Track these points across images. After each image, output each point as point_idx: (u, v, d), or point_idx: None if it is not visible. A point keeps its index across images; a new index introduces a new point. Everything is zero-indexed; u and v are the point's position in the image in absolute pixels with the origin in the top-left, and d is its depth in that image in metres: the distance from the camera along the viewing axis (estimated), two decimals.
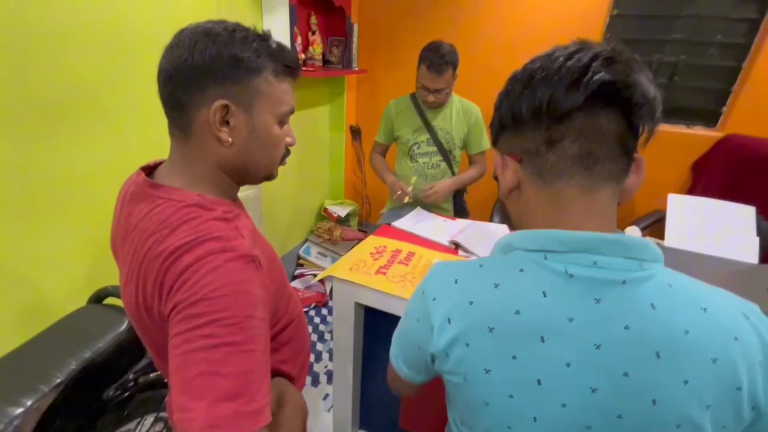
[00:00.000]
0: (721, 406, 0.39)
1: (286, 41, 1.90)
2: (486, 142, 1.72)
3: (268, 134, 0.57)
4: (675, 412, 0.39)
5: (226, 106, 0.52)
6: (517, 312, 0.43)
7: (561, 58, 0.43)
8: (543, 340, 0.42)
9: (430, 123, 1.65)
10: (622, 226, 1.84)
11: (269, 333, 0.52)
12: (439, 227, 1.50)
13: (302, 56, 2.15)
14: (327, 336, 2.18)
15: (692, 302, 0.41)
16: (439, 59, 1.46)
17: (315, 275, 2.57)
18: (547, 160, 0.45)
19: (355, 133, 2.87)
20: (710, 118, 2.18)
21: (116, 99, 1.24)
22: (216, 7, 1.56)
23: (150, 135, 1.34)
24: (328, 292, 2.46)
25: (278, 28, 1.87)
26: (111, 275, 0.99)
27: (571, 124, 0.43)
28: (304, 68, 2.11)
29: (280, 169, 0.64)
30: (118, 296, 1.09)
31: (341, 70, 2.43)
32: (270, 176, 0.63)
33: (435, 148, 1.68)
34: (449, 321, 0.47)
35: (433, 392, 0.61)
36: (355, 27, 2.43)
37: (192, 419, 0.42)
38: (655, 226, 2.08)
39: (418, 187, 1.69)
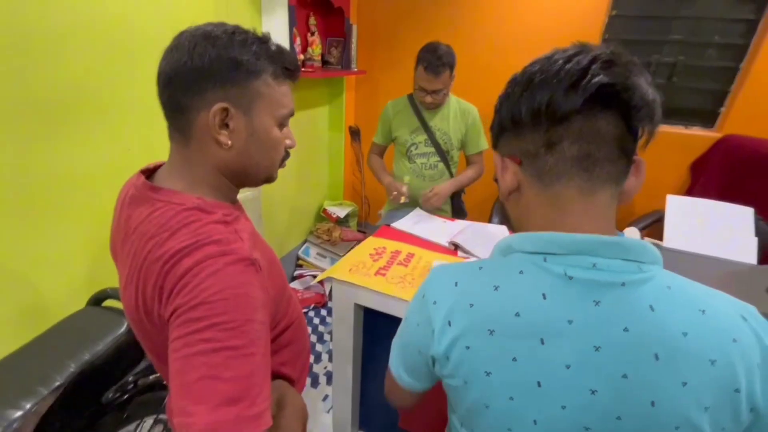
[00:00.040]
0: (720, 407, 0.39)
1: (285, 42, 1.90)
2: (484, 142, 1.72)
3: (267, 137, 0.57)
4: (674, 414, 0.39)
5: (225, 109, 0.52)
6: (517, 314, 0.43)
7: (560, 61, 0.43)
8: (543, 342, 0.42)
9: (428, 124, 1.66)
10: (621, 227, 1.85)
11: (269, 336, 0.52)
12: (439, 228, 1.50)
13: (301, 57, 2.15)
14: (326, 337, 2.18)
15: (691, 304, 0.41)
16: (436, 60, 1.46)
17: (314, 276, 2.57)
18: (546, 162, 0.45)
19: (354, 133, 2.87)
20: (708, 119, 2.19)
21: (116, 100, 1.24)
22: (214, 8, 1.56)
23: (149, 136, 1.34)
24: (327, 292, 2.46)
25: (277, 28, 1.87)
26: (110, 277, 0.99)
27: (569, 126, 0.43)
28: (303, 69, 2.11)
29: (279, 170, 0.64)
30: (117, 298, 1.09)
31: (340, 71, 2.43)
32: (269, 179, 0.63)
33: (433, 149, 1.68)
34: (449, 323, 0.47)
35: (433, 393, 0.61)
36: (354, 28, 2.43)
37: (193, 424, 0.41)
38: (653, 226, 2.09)
39: (415, 186, 1.70)
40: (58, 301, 1.17)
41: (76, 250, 1.21)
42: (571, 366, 0.41)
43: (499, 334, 0.44)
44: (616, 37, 2.17)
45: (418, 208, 1.65)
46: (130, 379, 0.98)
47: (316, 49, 2.26)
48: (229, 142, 0.54)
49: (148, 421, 1.04)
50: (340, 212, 2.80)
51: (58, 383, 0.81)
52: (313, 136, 2.67)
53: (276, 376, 0.69)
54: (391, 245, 1.35)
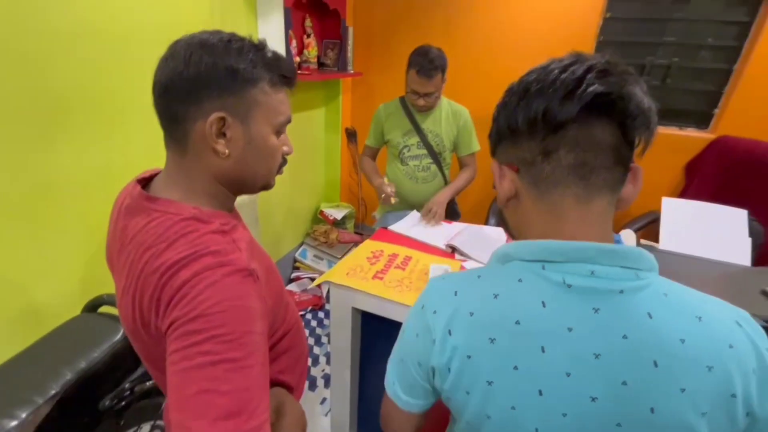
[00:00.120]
0: (717, 412, 0.40)
1: (281, 45, 1.89)
2: (476, 143, 1.73)
3: (265, 145, 0.57)
4: (673, 420, 0.40)
5: (222, 119, 0.52)
6: (518, 322, 0.44)
7: (556, 71, 0.43)
8: (543, 350, 0.42)
9: (420, 126, 1.66)
10: (616, 228, 1.86)
11: (267, 346, 0.52)
12: (436, 231, 1.50)
13: (297, 59, 2.14)
14: (324, 339, 2.17)
15: (687, 311, 0.42)
16: (428, 64, 1.47)
17: (311, 278, 2.57)
18: (543, 170, 0.45)
19: (351, 135, 2.87)
20: (702, 120, 2.21)
21: (111, 105, 1.23)
22: (210, 11, 1.55)
23: (146, 141, 1.33)
24: (324, 295, 2.46)
25: (273, 31, 1.87)
26: (106, 283, 0.99)
27: (565, 134, 0.43)
28: (299, 72, 2.11)
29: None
30: (112, 305, 1.08)
31: (336, 73, 2.42)
32: (267, 186, 0.62)
33: (425, 151, 1.69)
34: (450, 333, 0.47)
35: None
36: (350, 30, 2.43)
37: None
38: (649, 227, 2.10)
39: (408, 188, 1.71)
40: (53, 307, 1.16)
41: (72, 256, 1.20)
42: (571, 374, 0.42)
43: (500, 343, 0.44)
44: (610, 39, 2.19)
45: (414, 210, 1.66)
46: (127, 386, 0.97)
47: (312, 52, 2.25)
48: (227, 151, 0.53)
49: (145, 427, 1.03)
50: (337, 214, 2.80)
51: (54, 391, 0.80)
52: (310, 138, 2.67)
53: (274, 383, 0.69)
54: (389, 248, 1.35)
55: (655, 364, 0.40)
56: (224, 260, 0.48)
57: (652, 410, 0.40)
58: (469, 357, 0.46)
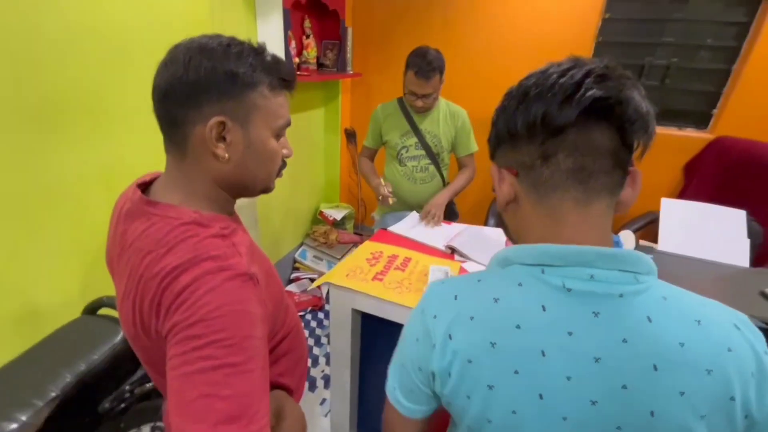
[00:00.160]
0: (716, 415, 0.40)
1: (280, 46, 1.89)
2: (474, 144, 1.73)
3: (264, 148, 0.57)
4: (672, 423, 0.40)
5: (222, 123, 0.52)
6: (518, 326, 0.44)
7: (554, 75, 0.44)
8: (544, 354, 0.42)
9: (418, 127, 1.67)
10: (615, 228, 1.86)
11: (267, 350, 0.52)
12: (435, 232, 1.50)
13: (296, 60, 2.14)
14: (324, 340, 2.18)
15: (686, 315, 0.42)
16: (426, 65, 1.47)
17: (311, 279, 2.57)
18: (542, 174, 0.46)
19: (350, 136, 2.87)
20: (701, 120, 2.21)
21: (110, 107, 1.23)
22: (210, 12, 1.55)
23: (144, 143, 1.33)
24: (324, 295, 2.46)
25: (272, 32, 1.87)
26: (105, 285, 0.98)
27: (564, 138, 0.43)
28: (298, 73, 2.11)
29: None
30: (112, 307, 1.08)
31: (336, 74, 2.42)
32: (267, 189, 0.62)
33: (423, 152, 1.70)
34: (450, 337, 0.47)
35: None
36: (349, 30, 2.43)
37: None
38: (648, 227, 2.11)
39: (407, 189, 1.72)
40: (53, 309, 1.15)
41: (71, 258, 1.20)
42: (571, 377, 0.42)
43: (500, 347, 0.44)
44: (609, 39, 2.19)
45: (414, 212, 1.66)
46: (127, 388, 0.97)
47: (311, 52, 2.25)
48: (227, 155, 0.53)
49: (145, 429, 1.03)
50: (337, 215, 2.80)
51: (54, 394, 0.80)
52: (309, 139, 2.67)
53: (274, 386, 0.69)
54: (388, 249, 1.35)
55: (655, 368, 0.40)
56: (224, 265, 0.48)
57: (651, 414, 0.40)
58: (469, 361, 0.46)
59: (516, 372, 0.44)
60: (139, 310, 0.50)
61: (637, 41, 2.17)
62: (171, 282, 0.47)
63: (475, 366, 0.45)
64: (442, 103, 1.68)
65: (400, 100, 1.69)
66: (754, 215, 1.55)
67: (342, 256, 2.62)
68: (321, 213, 2.82)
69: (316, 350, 2.10)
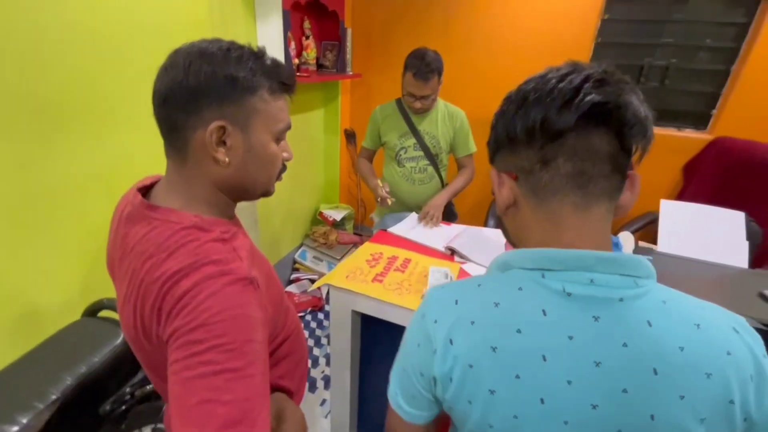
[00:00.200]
0: (716, 418, 0.40)
1: (279, 47, 1.89)
2: (473, 144, 1.74)
3: (264, 152, 0.57)
4: (672, 426, 0.40)
5: (222, 127, 0.52)
6: (519, 331, 0.44)
7: (553, 80, 0.44)
8: (545, 359, 0.43)
9: (416, 128, 1.67)
10: (614, 229, 1.87)
11: (267, 354, 0.52)
12: (435, 233, 1.50)
13: (296, 61, 2.14)
14: (324, 341, 2.18)
15: (686, 318, 0.42)
16: (425, 67, 1.47)
17: (311, 279, 2.57)
18: (542, 179, 0.46)
19: (350, 136, 2.87)
20: (701, 121, 2.22)
21: (111, 109, 1.23)
22: (209, 14, 1.55)
23: (145, 145, 1.33)
24: (324, 296, 2.46)
25: (272, 33, 1.87)
26: (105, 287, 0.98)
27: (563, 143, 0.44)
28: (298, 74, 2.11)
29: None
30: (112, 309, 1.08)
31: (335, 75, 2.43)
32: (267, 193, 0.63)
33: (422, 153, 1.70)
34: (451, 342, 0.47)
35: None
36: (349, 31, 2.43)
37: None
38: (647, 228, 2.11)
39: (406, 190, 1.73)
40: (53, 312, 1.16)
41: (71, 260, 1.20)
42: (572, 382, 0.42)
43: (501, 352, 0.44)
44: (608, 40, 2.19)
45: (413, 213, 1.66)
46: (127, 390, 0.97)
47: (311, 53, 2.25)
48: (227, 159, 0.54)
49: (146, 431, 1.03)
50: (337, 215, 2.80)
51: (54, 397, 0.80)
52: (309, 140, 2.67)
53: (275, 388, 0.69)
54: (388, 251, 1.35)
55: (655, 372, 0.40)
56: (225, 269, 0.48)
57: (652, 417, 0.40)
58: (470, 366, 0.46)
59: (517, 376, 0.44)
60: (140, 314, 0.50)
61: (637, 42, 2.17)
62: (172, 286, 0.47)
63: (477, 371, 0.46)
64: (441, 104, 1.69)
65: (399, 101, 1.70)
66: (753, 215, 1.56)
67: (342, 257, 2.63)
68: (321, 214, 2.83)
69: (316, 351, 2.11)
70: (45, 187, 1.09)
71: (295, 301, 2.39)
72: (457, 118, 1.68)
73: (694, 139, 2.18)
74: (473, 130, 1.72)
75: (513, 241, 0.55)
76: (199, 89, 0.50)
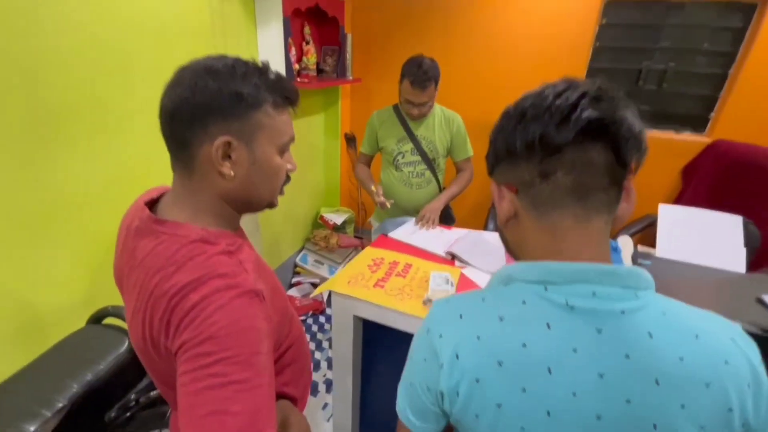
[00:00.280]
0: (715, 426, 0.42)
1: (280, 53, 1.91)
2: (470, 148, 1.76)
3: (269, 165, 0.58)
4: None
5: (228, 142, 0.53)
6: (524, 345, 0.45)
7: (551, 96, 0.45)
8: (550, 372, 0.43)
9: (414, 133, 1.69)
10: (613, 232, 1.88)
11: (273, 364, 0.53)
12: (435, 237, 1.51)
13: (296, 66, 2.15)
14: (325, 344, 2.19)
15: (685, 329, 0.43)
16: (422, 75, 1.49)
17: (312, 283, 2.58)
18: (542, 192, 0.47)
19: (350, 140, 2.89)
20: (699, 124, 2.23)
21: (115, 118, 1.24)
22: (210, 22, 1.56)
23: (149, 154, 1.34)
24: (325, 299, 2.47)
25: (272, 40, 1.88)
26: (110, 294, 1.00)
27: (562, 157, 0.45)
28: (298, 79, 2.12)
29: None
30: (117, 316, 1.09)
31: (335, 80, 2.44)
32: (271, 205, 0.64)
33: (419, 157, 1.72)
34: (457, 357, 0.47)
35: None
36: (349, 37, 2.44)
37: None
38: (646, 231, 2.12)
39: (403, 194, 1.74)
40: (58, 319, 1.17)
41: (76, 268, 1.21)
42: (577, 393, 0.43)
43: (507, 366, 0.45)
44: (606, 45, 2.21)
45: (413, 218, 1.67)
46: (132, 396, 0.98)
47: (311, 58, 2.27)
48: (232, 173, 0.55)
49: None
50: (337, 219, 2.81)
51: (61, 404, 0.81)
52: (309, 144, 2.68)
53: (279, 395, 0.70)
54: (389, 256, 1.36)
55: (657, 382, 0.41)
56: (232, 283, 0.49)
57: (654, 426, 0.41)
58: (477, 380, 0.46)
59: (523, 390, 0.44)
60: (149, 327, 0.51)
61: (635, 46, 2.18)
62: (180, 300, 0.48)
63: (483, 385, 0.46)
64: (437, 108, 1.70)
65: (396, 107, 1.71)
66: (751, 218, 1.57)
67: (343, 260, 2.63)
68: (321, 217, 2.83)
69: (317, 354, 2.11)
70: (49, 194, 1.10)
71: (296, 304, 2.40)
72: (454, 123, 1.70)
73: (692, 142, 2.19)
74: (472, 132, 1.74)
75: (514, 253, 0.56)
76: (206, 106, 0.51)
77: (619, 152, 0.44)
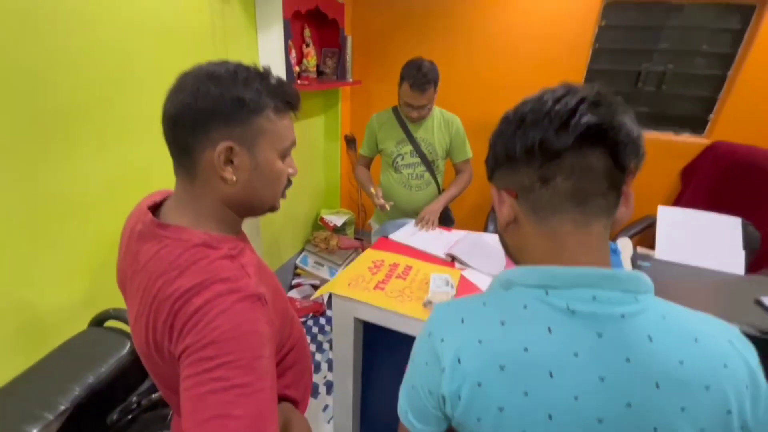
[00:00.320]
0: (715, 428, 0.42)
1: (280, 55, 1.91)
2: (469, 149, 1.76)
3: (271, 170, 0.59)
4: None
5: (230, 148, 0.53)
6: (526, 349, 0.45)
7: (550, 102, 0.46)
8: (551, 376, 0.44)
9: (413, 135, 1.70)
10: (613, 233, 1.88)
11: (275, 367, 0.53)
12: (435, 239, 1.52)
13: (296, 69, 2.16)
14: (325, 346, 2.19)
15: (684, 333, 0.44)
16: (421, 78, 1.50)
17: (312, 285, 2.58)
18: (542, 197, 0.47)
19: (350, 142, 2.89)
20: (698, 126, 2.23)
21: (116, 121, 1.25)
22: (211, 25, 1.57)
23: (149, 157, 1.35)
24: (325, 301, 2.47)
25: (273, 42, 1.89)
26: (111, 297, 1.00)
27: (562, 162, 0.45)
28: (298, 81, 2.13)
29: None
30: (119, 319, 1.09)
31: (336, 82, 2.44)
32: (273, 209, 0.64)
33: (418, 159, 1.73)
34: (459, 361, 0.48)
35: None
36: (349, 39, 2.45)
37: None
38: (645, 232, 2.12)
39: (403, 196, 1.75)
40: (59, 320, 1.17)
41: (77, 270, 1.21)
42: (578, 397, 0.43)
43: (509, 370, 0.45)
44: (605, 46, 2.21)
45: (413, 220, 1.68)
46: (134, 399, 0.99)
47: (311, 61, 2.27)
48: (234, 178, 0.55)
49: None
50: (337, 220, 2.81)
51: (63, 407, 0.82)
52: (310, 146, 2.69)
53: (281, 398, 0.70)
54: (389, 258, 1.36)
55: (657, 386, 0.42)
56: (234, 287, 0.50)
57: (655, 429, 0.42)
58: (479, 384, 0.46)
59: (525, 393, 0.45)
60: (152, 331, 0.52)
61: (634, 48, 2.19)
62: (184, 304, 0.48)
63: (485, 389, 0.46)
64: (436, 110, 1.71)
65: (395, 109, 1.72)
66: (750, 219, 1.58)
67: (343, 262, 2.64)
68: (321, 219, 2.84)
69: (318, 356, 2.12)
70: (51, 196, 1.11)
71: (296, 306, 2.40)
72: (453, 125, 1.71)
73: (691, 143, 2.20)
74: (473, 132, 1.75)
75: (514, 257, 0.56)
76: (208, 111, 0.52)
77: (618, 157, 0.45)
